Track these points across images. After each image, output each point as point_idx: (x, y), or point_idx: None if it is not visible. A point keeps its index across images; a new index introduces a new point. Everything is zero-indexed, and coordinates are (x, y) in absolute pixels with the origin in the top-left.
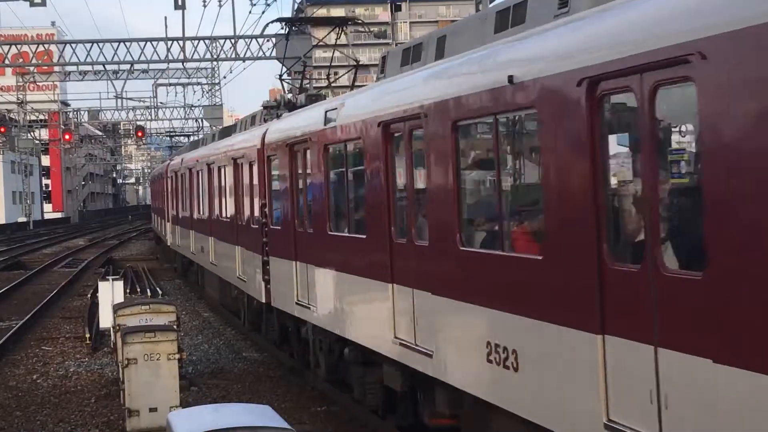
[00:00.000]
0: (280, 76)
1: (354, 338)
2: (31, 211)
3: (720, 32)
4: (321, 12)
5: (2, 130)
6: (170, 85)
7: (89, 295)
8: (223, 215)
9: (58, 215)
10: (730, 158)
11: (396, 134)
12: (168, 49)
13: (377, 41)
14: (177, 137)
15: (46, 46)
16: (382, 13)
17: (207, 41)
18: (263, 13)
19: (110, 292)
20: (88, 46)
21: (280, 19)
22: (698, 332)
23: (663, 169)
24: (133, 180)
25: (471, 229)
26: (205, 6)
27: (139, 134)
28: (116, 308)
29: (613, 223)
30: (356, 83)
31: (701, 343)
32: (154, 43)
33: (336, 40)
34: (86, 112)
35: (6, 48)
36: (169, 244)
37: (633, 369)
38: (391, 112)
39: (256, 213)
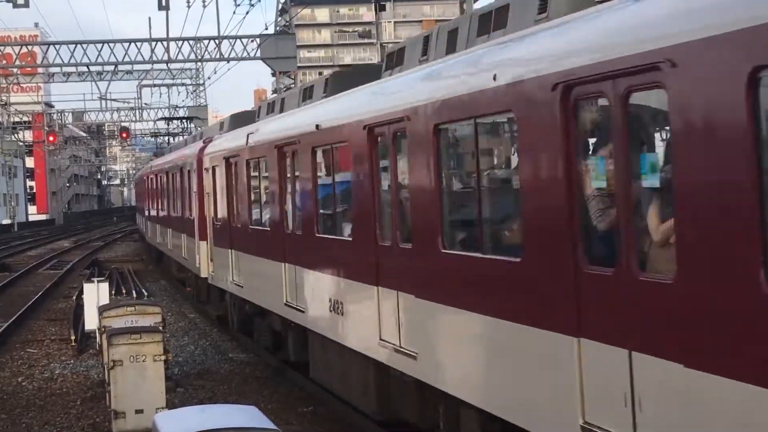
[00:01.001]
0: None
1: None
2: (15, 213)
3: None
4: (305, 12)
5: None
6: (155, 86)
7: (74, 297)
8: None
9: (43, 217)
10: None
11: None
12: (152, 50)
13: (361, 41)
14: (163, 135)
15: (30, 47)
16: (366, 13)
17: (191, 42)
18: (247, 13)
19: (95, 293)
20: (71, 47)
21: None
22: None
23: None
24: (118, 181)
25: None
26: (189, 6)
27: (124, 135)
28: (102, 310)
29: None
30: None
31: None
32: (138, 43)
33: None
34: (70, 114)
35: None
36: (212, 280)
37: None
38: None
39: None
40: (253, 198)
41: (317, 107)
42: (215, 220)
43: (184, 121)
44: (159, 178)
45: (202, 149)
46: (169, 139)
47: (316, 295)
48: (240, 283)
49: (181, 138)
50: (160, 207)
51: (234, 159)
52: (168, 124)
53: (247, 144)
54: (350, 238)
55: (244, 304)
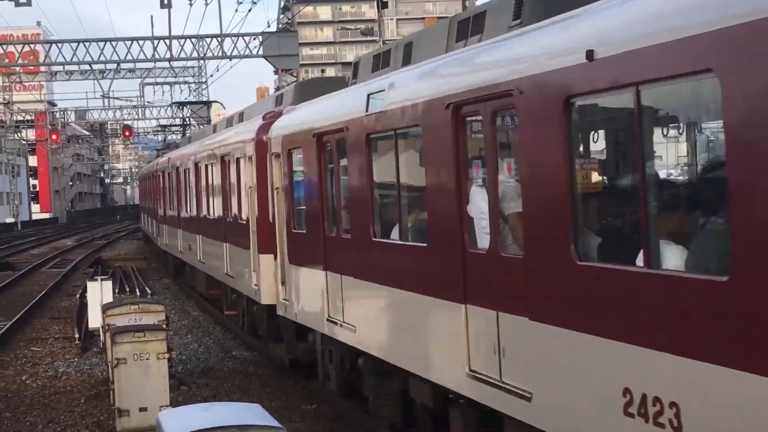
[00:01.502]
0: None
1: None
2: (18, 211)
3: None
4: (307, 10)
5: None
6: (157, 84)
7: (78, 296)
8: None
9: (46, 216)
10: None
11: None
12: (154, 48)
13: (364, 38)
14: (168, 134)
15: (32, 46)
16: (369, 11)
17: (193, 40)
18: (249, 11)
19: (99, 292)
20: (74, 45)
21: None
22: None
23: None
24: (120, 180)
25: None
26: (191, 4)
27: (127, 134)
28: (105, 308)
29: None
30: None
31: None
32: (141, 42)
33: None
34: (73, 112)
35: None
36: (285, 311)
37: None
38: None
39: None
40: (383, 195)
41: (576, 21)
42: (293, 227)
43: (186, 120)
44: (181, 173)
45: (263, 128)
46: (183, 130)
47: (579, 377)
48: (349, 323)
49: (188, 132)
50: (183, 207)
51: (335, 137)
52: (182, 110)
53: (368, 110)
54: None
55: (355, 355)
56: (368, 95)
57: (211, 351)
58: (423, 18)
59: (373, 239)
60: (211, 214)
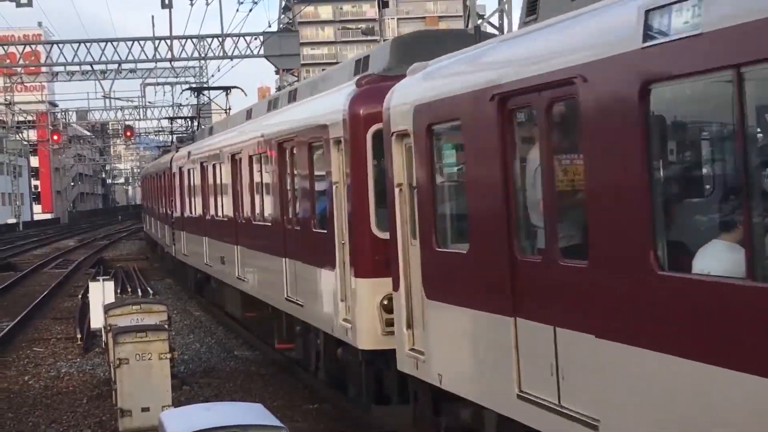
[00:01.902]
0: None
1: None
2: (20, 212)
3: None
4: (308, 10)
5: None
6: (158, 84)
7: (80, 296)
8: None
9: (48, 216)
10: None
11: None
12: (155, 49)
13: (365, 38)
14: (174, 128)
15: (33, 46)
16: (370, 10)
17: (194, 40)
18: (250, 11)
19: (101, 292)
20: (75, 46)
21: None
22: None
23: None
24: (122, 180)
25: None
26: (192, 5)
27: (128, 134)
28: (107, 308)
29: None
30: None
31: None
32: (142, 42)
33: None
34: (74, 113)
35: None
36: (420, 369)
37: None
38: None
39: None
40: (684, 192)
41: None
42: (437, 244)
43: (188, 121)
44: (208, 168)
45: (360, 98)
46: (198, 123)
47: None
48: (579, 412)
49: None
50: (210, 210)
51: (546, 96)
52: (198, 97)
53: (647, 40)
54: None
55: None
56: (647, 12)
57: (213, 351)
58: (423, 17)
59: (659, 272)
60: (259, 219)
